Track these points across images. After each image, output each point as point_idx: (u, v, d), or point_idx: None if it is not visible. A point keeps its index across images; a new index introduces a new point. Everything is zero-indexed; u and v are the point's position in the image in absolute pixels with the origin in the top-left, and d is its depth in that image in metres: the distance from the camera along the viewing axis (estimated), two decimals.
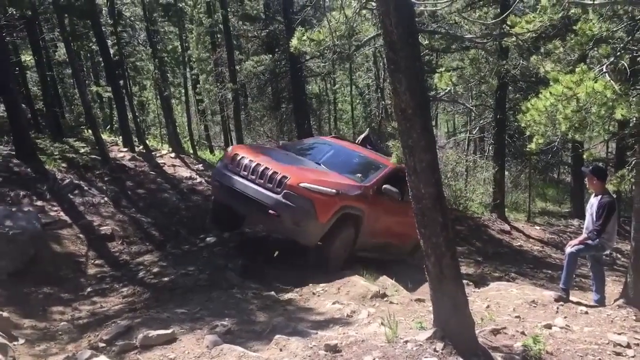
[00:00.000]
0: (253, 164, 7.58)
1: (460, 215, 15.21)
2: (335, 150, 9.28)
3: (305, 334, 4.98)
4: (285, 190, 7.20)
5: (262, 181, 7.41)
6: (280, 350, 4.67)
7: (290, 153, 8.87)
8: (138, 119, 15.74)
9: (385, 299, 6.56)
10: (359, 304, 6.34)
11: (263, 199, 7.31)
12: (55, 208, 9.04)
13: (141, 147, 13.85)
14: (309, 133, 18.05)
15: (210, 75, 16.90)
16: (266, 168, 7.45)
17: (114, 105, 15.69)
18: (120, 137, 14.04)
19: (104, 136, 13.85)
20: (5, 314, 5.73)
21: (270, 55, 19.62)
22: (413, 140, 3.70)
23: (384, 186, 8.25)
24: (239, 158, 7.81)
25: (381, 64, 20.81)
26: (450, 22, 10.63)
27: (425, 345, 4.08)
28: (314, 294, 6.90)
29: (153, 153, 13.55)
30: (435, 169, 3.85)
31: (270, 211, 7.23)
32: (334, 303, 6.27)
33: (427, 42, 7.40)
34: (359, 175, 8.52)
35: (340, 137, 11.53)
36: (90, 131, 13.27)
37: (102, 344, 5.04)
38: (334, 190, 7.38)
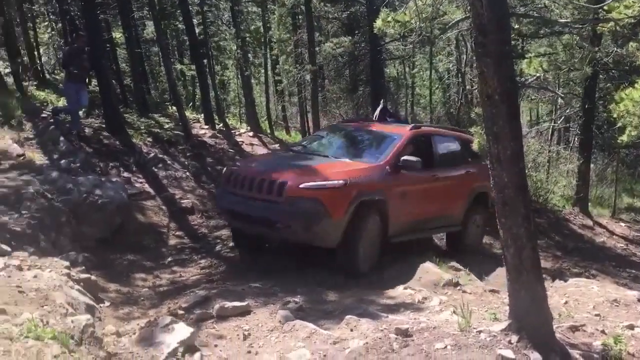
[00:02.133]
0: (248, 179, 6.88)
1: (540, 207, 14.68)
2: (343, 136, 8.51)
3: (375, 317, 5.01)
4: (286, 197, 6.50)
5: (261, 195, 6.69)
6: (351, 330, 4.72)
7: (293, 154, 8.14)
8: (219, 98, 16.15)
9: (458, 287, 6.46)
10: (431, 291, 6.28)
11: (267, 214, 6.60)
12: (141, 180, 9.48)
13: (221, 125, 14.25)
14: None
15: (290, 57, 17.10)
16: (262, 180, 6.73)
17: (197, 84, 16.17)
18: (202, 114, 14.49)
19: (187, 113, 14.33)
20: (93, 278, 6.09)
21: (350, 37, 19.51)
22: (498, 128, 3.61)
23: (402, 158, 7.34)
24: (233, 177, 7.12)
25: (464, 48, 20.25)
26: (540, 5, 10.18)
27: (500, 337, 4.01)
28: (384, 278, 6.93)
29: (232, 131, 13.91)
30: (520, 158, 3.74)
31: (278, 225, 6.57)
32: (405, 288, 6.25)
33: (516, 26, 7.11)
34: (372, 154, 7.64)
35: (351, 120, 11.08)
36: (174, 108, 13.79)
37: (180, 312, 5.29)
38: (341, 182, 6.61)
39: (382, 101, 10.73)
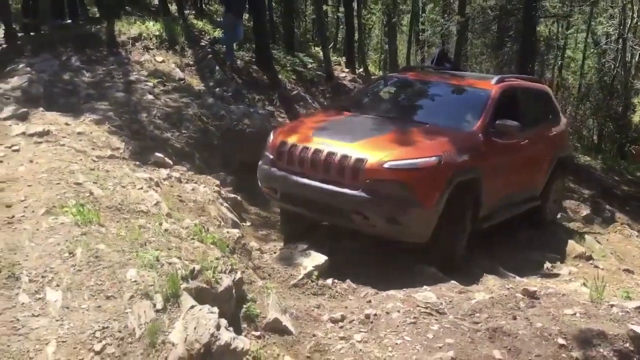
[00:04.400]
0: (310, 153, 5.17)
1: None
2: (416, 90, 6.87)
3: (503, 275, 5.09)
4: (365, 180, 4.90)
5: (329, 175, 5.04)
6: (477, 284, 4.85)
7: (356, 116, 6.20)
8: (363, 42, 16.24)
9: (590, 261, 6.29)
10: (560, 260, 6.20)
11: (338, 203, 5.03)
12: (283, 115, 9.94)
13: (361, 69, 14.39)
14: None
15: (438, 6, 16.64)
16: (330, 154, 5.06)
17: (341, 26, 16.35)
18: (344, 57, 14.70)
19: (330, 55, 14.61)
20: (239, 198, 6.67)
21: None
22: None
23: (497, 122, 5.79)
24: (288, 148, 5.36)
25: (629, 11, 18.50)
26: None
27: (633, 314, 3.93)
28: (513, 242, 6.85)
29: (373, 77, 14.02)
30: None
31: (353, 215, 5.02)
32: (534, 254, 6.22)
33: None
34: (460, 117, 6.02)
35: (411, 68, 9.09)
36: (317, 48, 14.11)
37: None
38: (434, 158, 5.04)
39: (439, 45, 9.32)
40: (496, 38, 21.15)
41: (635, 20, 18.32)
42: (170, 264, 3.32)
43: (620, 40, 19.92)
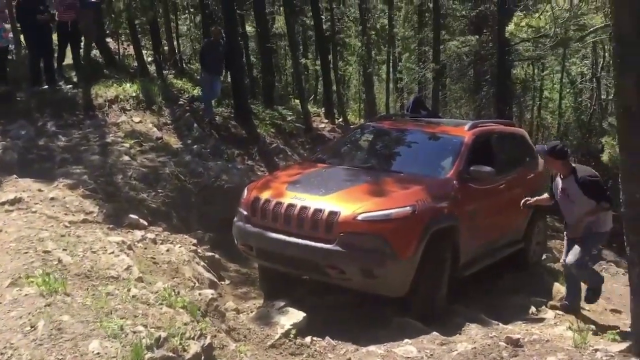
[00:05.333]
0: (283, 207, 5.07)
1: None
2: (391, 139, 6.80)
3: (486, 323, 4.98)
4: (339, 233, 4.79)
5: (303, 230, 4.94)
6: (459, 334, 4.74)
7: (331, 167, 6.06)
8: (340, 93, 16.48)
9: None
10: (545, 304, 6.11)
11: (313, 257, 4.92)
12: (262, 168, 9.94)
13: (340, 119, 14.54)
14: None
15: (413, 54, 17.01)
16: (303, 208, 4.96)
17: (320, 78, 16.62)
18: (323, 108, 14.87)
19: (308, 107, 14.77)
20: (217, 256, 6.57)
21: (477, 36, 19.05)
22: (634, 141, 3.45)
23: (472, 168, 5.71)
24: (261, 203, 5.26)
25: (601, 51, 19.01)
26: None
27: (618, 358, 3.85)
28: (498, 286, 6.77)
29: (351, 126, 14.13)
30: None
31: (329, 269, 4.89)
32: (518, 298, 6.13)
33: None
34: (434, 165, 5.95)
35: (384, 117, 9.00)
36: (297, 101, 14.28)
37: None
38: (407, 208, 4.94)
39: (415, 92, 9.33)
40: (473, 83, 21.59)
41: (607, 59, 18.81)
42: (135, 332, 3.20)
43: (594, 79, 20.40)
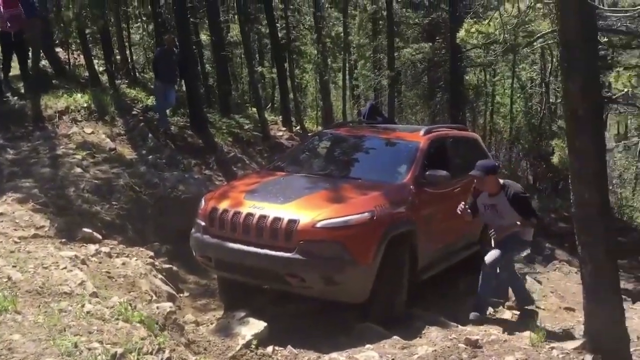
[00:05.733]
0: (242, 217, 5.01)
1: (623, 225, 14.04)
2: (348, 145, 6.82)
3: (445, 325, 5.03)
4: (299, 241, 4.78)
5: (263, 239, 4.90)
6: (420, 337, 4.78)
7: (288, 175, 6.06)
8: (298, 101, 16.49)
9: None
10: (502, 304, 6.23)
11: (273, 266, 4.89)
12: (220, 178, 9.83)
13: (298, 127, 14.53)
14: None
15: (368, 62, 17.18)
16: (262, 217, 4.93)
17: (277, 86, 16.60)
18: (280, 116, 14.84)
19: (265, 115, 14.72)
20: (174, 268, 6.45)
21: (430, 44, 19.39)
22: (581, 144, 3.57)
23: (428, 172, 5.81)
24: (219, 213, 5.20)
25: (549, 57, 19.63)
26: (634, 15, 9.73)
27: (573, 355, 3.95)
28: (455, 289, 6.87)
29: (309, 134, 14.15)
30: (602, 175, 3.68)
31: (290, 278, 4.87)
32: None
33: (605, 39, 6.83)
34: (391, 170, 6.01)
35: (341, 124, 9.03)
36: (254, 109, 14.22)
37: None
38: (366, 214, 4.97)
39: (371, 99, 9.41)
40: (427, 89, 21.96)
41: (555, 64, 19.42)
42: (90, 349, 3.10)
43: (543, 84, 21.02)
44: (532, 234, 5.66)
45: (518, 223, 5.39)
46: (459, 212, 5.54)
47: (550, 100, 19.92)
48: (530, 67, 24.32)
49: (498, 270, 5.47)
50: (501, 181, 5.46)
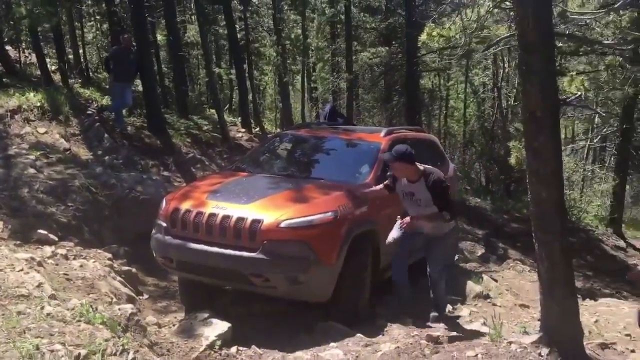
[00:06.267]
0: (205, 217, 4.98)
1: (572, 226, 14.55)
2: (310, 146, 6.85)
3: (407, 323, 5.11)
4: (263, 241, 4.76)
5: (226, 239, 4.88)
6: (382, 334, 4.84)
7: (251, 175, 6.04)
8: (257, 102, 16.43)
9: (488, 300, 6.52)
10: (460, 302, 6.37)
11: (237, 267, 4.84)
12: (179, 179, 9.71)
13: (258, 129, 14.48)
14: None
15: (327, 65, 17.27)
16: (225, 217, 4.90)
17: (235, 87, 16.49)
18: (239, 118, 14.76)
19: (224, 116, 14.62)
20: (133, 270, 6.33)
21: (387, 48, 19.68)
22: (539, 144, 3.69)
23: (388, 173, 5.68)
24: (181, 214, 5.14)
25: (501, 62, 20.18)
26: (581, 23, 10.13)
27: (530, 349, 4.06)
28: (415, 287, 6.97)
29: (269, 135, 14.12)
30: (559, 174, 3.82)
31: (253, 278, 4.84)
32: None
33: (559, 44, 7.05)
34: (353, 171, 6.08)
35: (302, 125, 9.02)
36: (212, 110, 14.10)
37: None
38: (329, 214, 5.00)
39: (330, 100, 9.18)
40: (384, 92, 22.26)
41: (507, 70, 19.96)
42: (52, 351, 3.03)
43: (495, 89, 21.58)
44: (446, 230, 5.27)
45: (441, 214, 5.04)
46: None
47: (503, 104, 20.44)
48: (483, 72, 24.97)
49: (430, 273, 5.29)
50: (422, 167, 5.09)
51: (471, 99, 25.63)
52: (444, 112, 25.71)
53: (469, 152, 22.60)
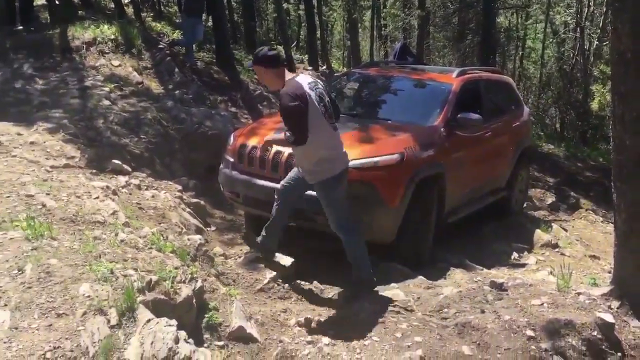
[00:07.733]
0: (271, 154, 5.00)
1: None
2: (378, 86, 6.64)
3: (470, 268, 5.07)
4: None
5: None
6: (444, 278, 4.82)
7: None
8: (325, 40, 16.17)
9: (557, 249, 6.33)
10: (527, 250, 6.23)
11: (300, 204, 4.72)
12: (246, 115, 9.81)
13: (324, 67, 14.32)
14: None
15: (398, 0, 16.67)
16: (291, 155, 4.73)
17: (303, 24, 16.25)
18: (307, 55, 14.61)
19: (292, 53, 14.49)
20: (202, 203, 6.51)
21: None
22: (626, 87, 3.44)
23: (459, 115, 5.67)
24: (248, 150, 5.21)
25: (586, 0, 18.84)
26: None
27: (600, 301, 3.94)
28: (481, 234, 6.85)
29: (336, 74, 13.95)
30: None
31: (316, 216, 4.74)
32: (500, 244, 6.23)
33: None
34: (422, 112, 5.82)
35: (374, 63, 8.49)
36: (279, 47, 13.99)
37: None
38: (396, 155, 4.89)
39: (401, 39, 8.84)
40: (457, 31, 21.33)
41: (592, 8, 18.69)
42: (125, 276, 3.18)
43: (578, 28, 20.29)
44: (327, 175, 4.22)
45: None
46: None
47: (585, 46, 19.23)
48: (566, 10, 23.40)
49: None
50: (290, 76, 4.10)
51: (551, 40, 24.22)
52: (520, 53, 24.46)
53: (545, 96, 21.58)
